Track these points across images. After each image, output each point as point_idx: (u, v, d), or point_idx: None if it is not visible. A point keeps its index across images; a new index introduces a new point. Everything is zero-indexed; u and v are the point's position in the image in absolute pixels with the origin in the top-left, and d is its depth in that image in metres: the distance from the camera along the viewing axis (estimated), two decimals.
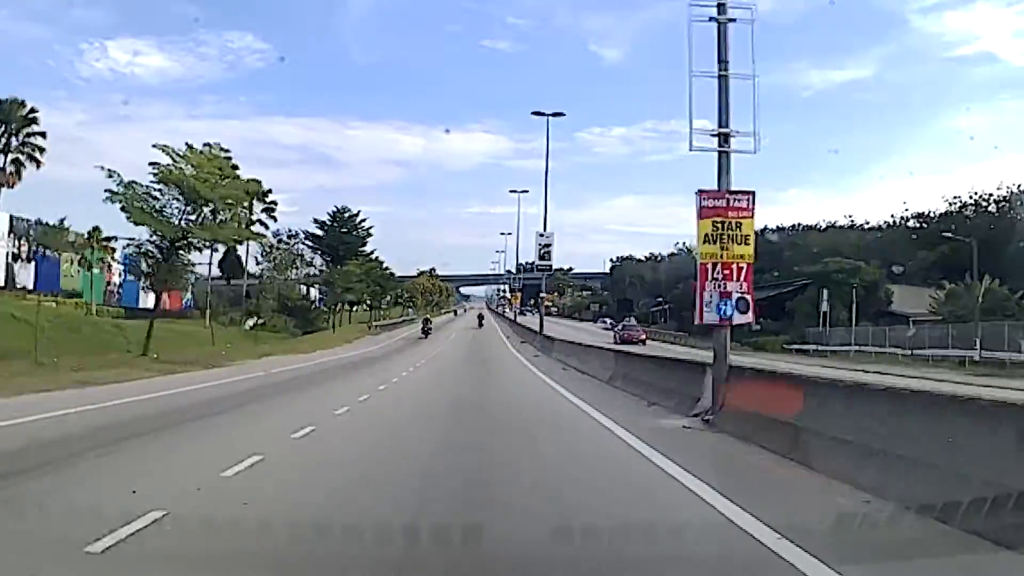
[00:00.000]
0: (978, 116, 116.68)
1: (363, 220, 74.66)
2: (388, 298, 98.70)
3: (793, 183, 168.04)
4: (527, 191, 74.86)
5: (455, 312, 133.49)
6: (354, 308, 74.14)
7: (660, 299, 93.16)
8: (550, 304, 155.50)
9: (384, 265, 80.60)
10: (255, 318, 68.28)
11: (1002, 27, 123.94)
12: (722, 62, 12.42)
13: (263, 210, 62.58)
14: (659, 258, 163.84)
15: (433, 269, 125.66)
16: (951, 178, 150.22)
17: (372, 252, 75.83)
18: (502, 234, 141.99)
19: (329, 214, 73.28)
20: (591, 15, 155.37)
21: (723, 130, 12.38)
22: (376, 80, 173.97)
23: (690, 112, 12.37)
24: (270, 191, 62.79)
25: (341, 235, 71.23)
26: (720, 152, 12.40)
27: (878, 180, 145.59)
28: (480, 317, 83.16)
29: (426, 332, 57.78)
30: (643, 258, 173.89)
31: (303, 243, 67.22)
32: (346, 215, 74.09)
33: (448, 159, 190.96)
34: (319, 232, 71.78)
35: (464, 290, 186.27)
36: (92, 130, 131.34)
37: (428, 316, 74.56)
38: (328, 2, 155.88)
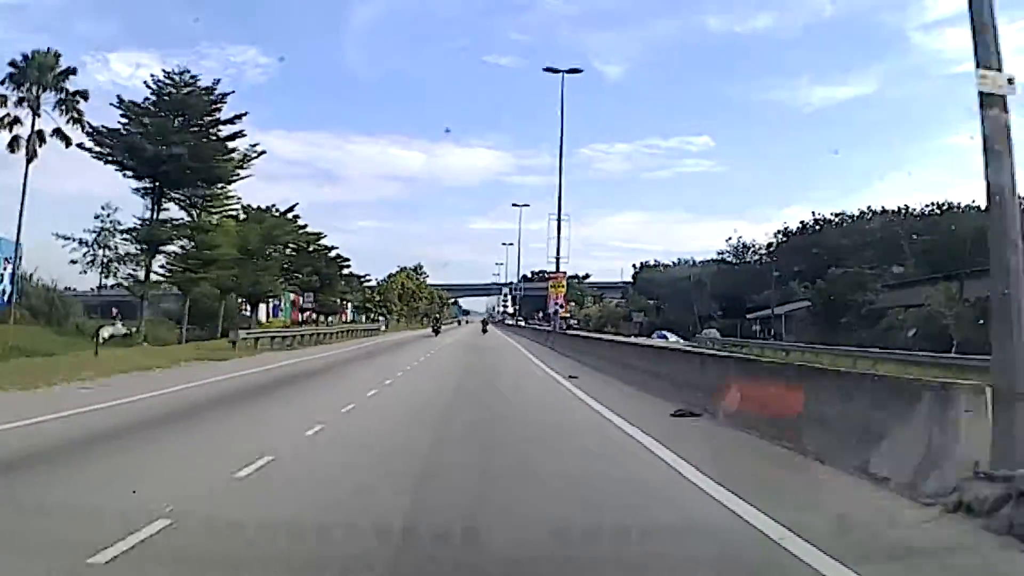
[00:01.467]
0: (979, 132, 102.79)
1: (236, 118, 33.22)
2: (347, 302, 66.89)
3: (793, 200, 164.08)
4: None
5: (458, 322, 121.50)
6: (253, 307, 42.35)
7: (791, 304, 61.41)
8: (567, 315, 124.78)
9: (320, 240, 49.05)
10: (115, 324, 38.83)
11: (1004, 44, 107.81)
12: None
13: (58, 103, 30.75)
14: (692, 263, 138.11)
15: (419, 266, 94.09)
16: (953, 193, 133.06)
17: (290, 211, 43.32)
18: (504, 244, 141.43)
19: (152, 86, 31.97)
20: (593, 32, 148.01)
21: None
22: (377, 95, 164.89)
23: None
24: (72, 70, 30.99)
25: (169, 133, 30.14)
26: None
27: (879, 196, 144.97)
28: (484, 322, 76.98)
29: (436, 331, 58.82)
30: (671, 263, 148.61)
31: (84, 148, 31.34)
32: (186, 88, 31.34)
33: (449, 174, 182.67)
34: (123, 125, 31.04)
35: (464, 304, 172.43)
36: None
37: (437, 316, 69.73)
38: (330, 17, 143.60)
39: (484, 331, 68.23)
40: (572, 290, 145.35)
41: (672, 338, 60.97)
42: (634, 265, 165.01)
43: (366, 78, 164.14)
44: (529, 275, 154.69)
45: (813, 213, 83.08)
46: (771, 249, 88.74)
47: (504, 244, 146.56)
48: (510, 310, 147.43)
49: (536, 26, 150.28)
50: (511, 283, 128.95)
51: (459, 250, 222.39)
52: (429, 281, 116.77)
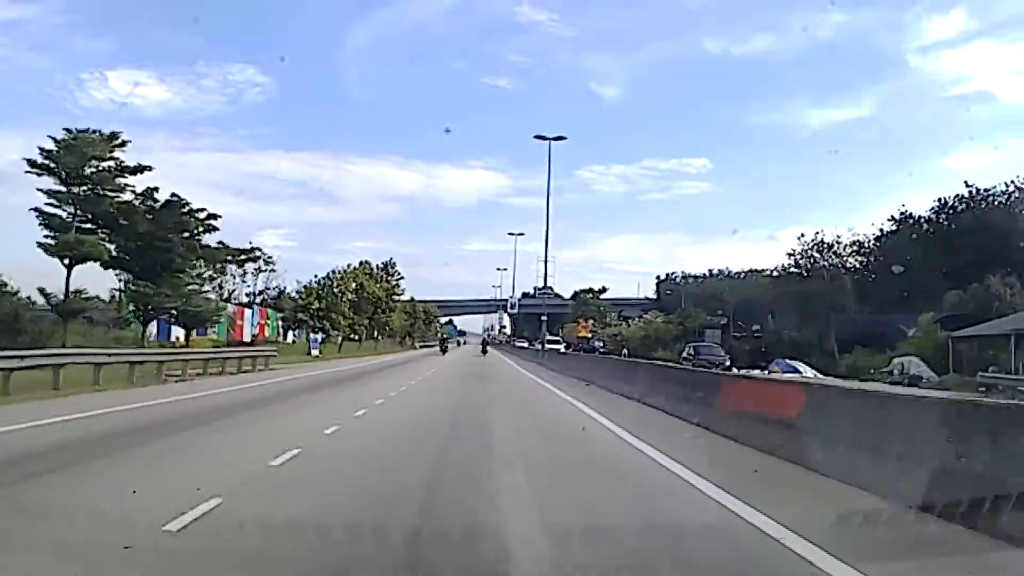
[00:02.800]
0: (976, 154, 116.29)
1: None
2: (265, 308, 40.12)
3: (791, 222, 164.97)
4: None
5: (457, 343, 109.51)
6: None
7: None
8: (589, 336, 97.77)
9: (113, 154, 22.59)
10: None
11: (1000, 66, 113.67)
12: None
13: None
14: (733, 275, 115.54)
15: (391, 263, 66.73)
16: None
17: None
18: (498, 269, 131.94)
19: None
20: (591, 54, 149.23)
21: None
22: (375, 116, 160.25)
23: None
24: None
25: None
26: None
27: (878, 216, 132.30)
28: (484, 343, 71.52)
29: (444, 350, 58.23)
30: (702, 275, 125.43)
31: None
32: None
33: (447, 195, 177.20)
34: None
35: (459, 324, 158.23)
36: None
37: (445, 337, 69.73)
38: (327, 38, 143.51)
39: (484, 352, 60.52)
40: (588, 306, 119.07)
41: (808, 372, 34.13)
42: (658, 277, 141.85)
43: (363, 99, 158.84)
44: (532, 291, 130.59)
45: (966, 183, 56.07)
46: (881, 243, 62.11)
47: (499, 269, 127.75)
48: (508, 329, 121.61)
49: (534, 48, 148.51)
50: (511, 298, 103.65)
51: (458, 271, 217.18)
52: (413, 294, 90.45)
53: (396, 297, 64.98)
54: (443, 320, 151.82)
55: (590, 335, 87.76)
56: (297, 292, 47.84)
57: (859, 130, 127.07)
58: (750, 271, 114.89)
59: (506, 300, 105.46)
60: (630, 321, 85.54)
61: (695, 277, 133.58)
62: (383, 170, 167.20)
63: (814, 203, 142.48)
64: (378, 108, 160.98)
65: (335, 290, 47.25)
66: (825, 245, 73.68)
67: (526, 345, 79.33)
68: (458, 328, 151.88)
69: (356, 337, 51.38)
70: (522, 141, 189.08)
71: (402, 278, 67.31)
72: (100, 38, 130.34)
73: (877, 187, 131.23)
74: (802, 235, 70.84)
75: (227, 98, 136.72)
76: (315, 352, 41.09)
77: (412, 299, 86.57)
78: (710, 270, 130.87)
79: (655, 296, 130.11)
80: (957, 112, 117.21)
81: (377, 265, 63.65)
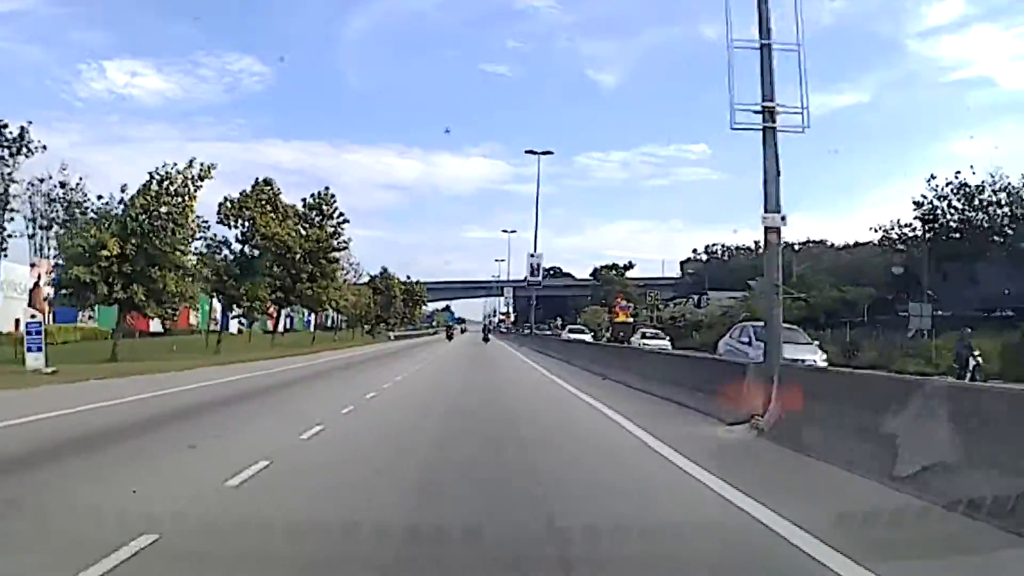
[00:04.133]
0: (977, 140, 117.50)
1: None
2: None
3: (789, 208, 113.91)
4: (515, 231, 68.98)
5: (462, 330, 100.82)
6: None
7: None
8: (629, 321, 71.96)
9: None
10: None
11: (1000, 51, 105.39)
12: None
13: None
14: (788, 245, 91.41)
15: (327, 194, 38.98)
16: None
17: None
18: (504, 231, 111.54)
19: None
20: (590, 40, 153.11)
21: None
22: (373, 104, 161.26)
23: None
24: None
25: None
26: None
27: (875, 206, 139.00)
28: (485, 329, 66.68)
29: (450, 337, 58.17)
30: (747, 247, 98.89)
31: None
32: None
33: (446, 184, 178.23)
34: None
35: (456, 310, 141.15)
36: (87, 151, 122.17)
37: (449, 325, 67.38)
38: (326, 27, 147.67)
39: (485, 340, 55.17)
40: (615, 285, 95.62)
41: None
42: (695, 250, 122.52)
43: (362, 88, 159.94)
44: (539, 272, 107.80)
45: None
46: None
47: (504, 231, 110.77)
48: (511, 316, 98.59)
49: (533, 34, 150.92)
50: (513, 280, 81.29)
51: (459, 259, 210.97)
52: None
53: (335, 253, 38.33)
54: (440, 306, 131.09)
55: (631, 320, 62.88)
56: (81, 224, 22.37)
57: (859, 116, 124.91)
58: (807, 242, 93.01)
59: (503, 283, 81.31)
60: (702, 299, 60.35)
61: (738, 248, 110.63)
62: (382, 159, 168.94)
63: (814, 188, 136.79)
64: (377, 97, 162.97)
65: (164, 220, 20.87)
66: (968, 190, 49.08)
67: (587, 338, 43.68)
68: (455, 315, 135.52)
69: (273, 323, 27.17)
70: (521, 128, 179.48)
71: (345, 221, 40.78)
72: (97, 29, 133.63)
73: (877, 172, 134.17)
74: (932, 176, 47.17)
75: (225, 87, 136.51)
76: (36, 363, 15.64)
77: (384, 270, 62.33)
78: (756, 242, 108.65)
79: (680, 275, 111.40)
80: (957, 97, 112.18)
81: (304, 200, 37.46)
